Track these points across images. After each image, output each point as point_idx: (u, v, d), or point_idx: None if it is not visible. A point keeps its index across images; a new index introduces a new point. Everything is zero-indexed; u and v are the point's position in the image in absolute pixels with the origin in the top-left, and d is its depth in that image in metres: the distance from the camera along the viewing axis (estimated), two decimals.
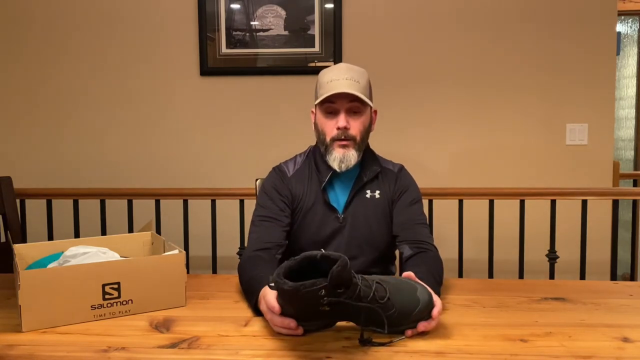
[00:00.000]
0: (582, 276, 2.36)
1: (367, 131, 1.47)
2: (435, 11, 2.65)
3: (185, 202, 2.46)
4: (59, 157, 2.79)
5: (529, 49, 2.63)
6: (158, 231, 2.42)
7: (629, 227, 2.73)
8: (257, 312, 1.12)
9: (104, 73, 2.76)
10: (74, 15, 2.74)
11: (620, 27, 4.38)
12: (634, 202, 2.46)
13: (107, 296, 1.12)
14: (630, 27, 4.40)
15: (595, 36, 2.61)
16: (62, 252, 1.25)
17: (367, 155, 1.51)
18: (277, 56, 2.69)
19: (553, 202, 2.37)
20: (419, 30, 2.66)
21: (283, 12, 2.67)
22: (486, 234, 2.40)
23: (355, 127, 1.42)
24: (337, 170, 1.42)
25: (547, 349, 0.96)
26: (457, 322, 1.08)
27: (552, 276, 2.38)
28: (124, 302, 1.14)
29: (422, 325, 1.00)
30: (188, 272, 1.24)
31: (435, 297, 1.03)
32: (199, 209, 2.54)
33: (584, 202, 2.36)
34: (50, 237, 2.49)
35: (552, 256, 2.37)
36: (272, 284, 0.94)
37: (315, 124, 1.49)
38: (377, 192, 1.48)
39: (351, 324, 1.04)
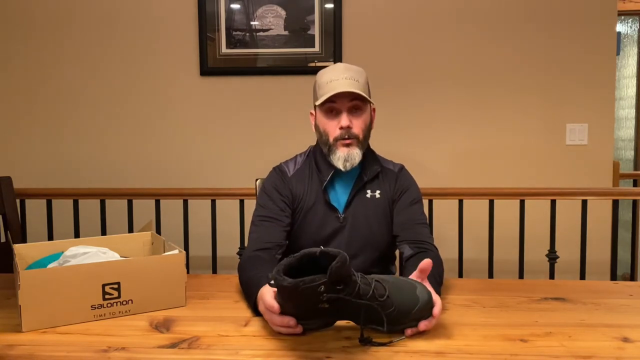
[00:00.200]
0: (582, 276, 2.36)
1: (368, 129, 1.47)
2: (435, 11, 2.65)
3: (185, 202, 2.46)
4: (59, 157, 2.79)
5: (529, 49, 2.63)
6: (158, 231, 2.42)
7: (629, 227, 2.73)
8: (257, 312, 1.11)
9: (104, 73, 2.76)
10: (74, 15, 2.74)
11: (620, 27, 4.38)
12: (634, 202, 2.46)
13: (107, 296, 1.12)
14: (630, 27, 4.40)
15: (595, 36, 2.61)
16: (62, 252, 1.25)
17: (368, 155, 1.51)
18: (277, 56, 2.69)
19: (553, 202, 2.37)
20: (419, 30, 2.67)
21: (283, 12, 2.67)
22: (486, 234, 2.40)
23: (358, 125, 1.42)
24: (342, 169, 1.42)
25: (547, 349, 0.96)
26: (457, 322, 1.08)
27: (552, 276, 2.38)
28: (124, 302, 1.14)
29: (423, 325, 1.00)
30: (188, 272, 1.24)
31: (435, 296, 1.03)
32: (199, 209, 2.54)
33: (584, 202, 2.36)
34: (50, 237, 2.49)
35: (552, 256, 2.37)
36: (272, 281, 0.94)
37: (316, 125, 1.49)
38: (378, 191, 1.48)
39: (351, 323, 1.04)
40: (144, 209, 2.50)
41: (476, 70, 2.66)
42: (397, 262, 1.59)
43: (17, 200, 2.23)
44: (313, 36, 2.67)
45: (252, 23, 2.69)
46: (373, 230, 1.46)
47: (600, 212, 2.57)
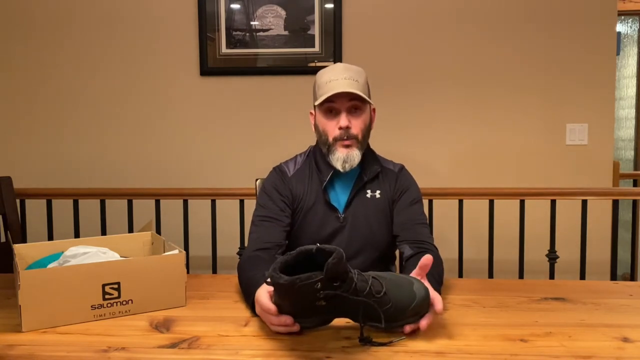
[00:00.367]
0: (582, 276, 2.36)
1: (368, 129, 1.47)
2: (435, 11, 2.65)
3: (185, 202, 2.46)
4: (59, 157, 2.79)
5: (529, 49, 2.63)
6: (158, 231, 2.42)
7: (629, 227, 2.73)
8: (256, 312, 1.11)
9: (104, 73, 2.76)
10: (74, 15, 2.74)
11: (620, 27, 4.38)
12: (634, 202, 2.46)
13: (107, 296, 1.12)
14: (630, 27, 4.40)
15: (595, 36, 2.61)
16: (62, 252, 1.25)
17: (368, 155, 1.51)
18: (277, 56, 2.69)
19: (553, 202, 2.37)
20: (419, 30, 2.67)
21: (283, 12, 2.67)
22: (486, 234, 2.40)
23: (357, 125, 1.42)
24: (341, 170, 1.43)
25: (547, 349, 0.96)
26: (457, 322, 1.08)
27: (552, 276, 2.38)
28: (124, 302, 1.14)
29: (424, 323, 1.00)
30: (188, 272, 1.24)
31: (434, 293, 1.03)
32: (199, 209, 2.54)
33: (584, 202, 2.36)
34: (50, 237, 2.49)
35: (552, 256, 2.37)
36: (268, 279, 0.93)
37: (316, 125, 1.49)
38: (378, 191, 1.48)
39: (350, 323, 1.04)
40: (144, 209, 2.50)
41: (476, 70, 2.66)
42: (397, 262, 1.59)
43: (17, 200, 2.23)
44: (313, 36, 2.67)
45: (252, 23, 2.69)
46: (373, 230, 1.46)
47: (600, 212, 2.57)
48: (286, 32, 2.68)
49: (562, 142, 2.66)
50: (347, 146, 1.41)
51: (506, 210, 2.44)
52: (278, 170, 1.53)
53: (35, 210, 2.52)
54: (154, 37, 2.73)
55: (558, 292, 1.29)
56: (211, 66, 2.71)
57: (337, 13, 2.64)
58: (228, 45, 2.69)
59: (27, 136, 2.79)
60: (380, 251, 1.49)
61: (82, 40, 2.75)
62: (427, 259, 1.07)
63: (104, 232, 2.48)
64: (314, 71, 1.60)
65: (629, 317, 1.12)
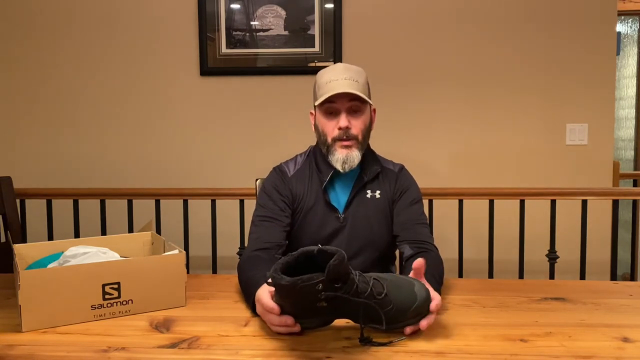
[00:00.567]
0: (582, 276, 2.36)
1: (368, 130, 1.47)
2: (435, 11, 2.65)
3: (185, 202, 2.46)
4: (59, 157, 2.79)
5: (529, 49, 2.63)
6: (158, 231, 2.42)
7: (629, 227, 2.73)
8: (256, 312, 1.11)
9: (104, 73, 2.76)
10: (74, 15, 2.74)
11: (620, 27, 4.38)
12: (634, 202, 2.46)
13: (107, 296, 1.12)
14: (630, 27, 4.40)
15: (595, 36, 2.61)
16: (62, 252, 1.25)
17: (368, 155, 1.51)
18: (277, 56, 2.69)
19: (553, 202, 2.37)
20: (419, 30, 2.67)
21: (283, 12, 2.67)
22: (486, 234, 2.40)
23: (357, 126, 1.42)
24: (341, 171, 1.43)
25: (547, 349, 0.96)
26: (457, 322, 1.08)
27: (552, 276, 2.38)
28: (124, 302, 1.14)
29: (424, 323, 1.00)
30: (188, 272, 1.24)
31: (433, 293, 1.03)
32: (199, 209, 2.54)
33: (584, 202, 2.36)
34: (50, 237, 2.49)
35: (552, 256, 2.37)
36: (269, 280, 0.93)
37: (316, 125, 1.49)
38: (378, 192, 1.48)
39: (351, 323, 1.04)
40: (144, 209, 2.50)
41: (476, 70, 2.66)
42: (397, 262, 1.59)
43: (17, 200, 2.23)
44: (313, 36, 2.67)
45: (252, 23, 2.69)
46: (373, 231, 1.46)
47: (600, 212, 2.57)
48: (286, 32, 2.68)
49: (562, 142, 2.66)
50: (346, 147, 1.41)
51: (506, 210, 2.44)
52: (278, 171, 1.53)
53: (35, 210, 2.52)
54: (154, 37, 2.73)
55: (558, 292, 1.29)
56: (211, 66, 2.71)
57: (337, 13, 2.64)
58: (228, 45, 2.69)
59: (27, 136, 2.79)
60: (380, 251, 1.49)
61: (82, 40, 2.75)
62: (418, 262, 1.07)
63: (104, 232, 2.48)
64: (314, 71, 1.60)
65: (629, 317, 1.12)
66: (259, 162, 2.67)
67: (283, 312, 0.99)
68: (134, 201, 2.50)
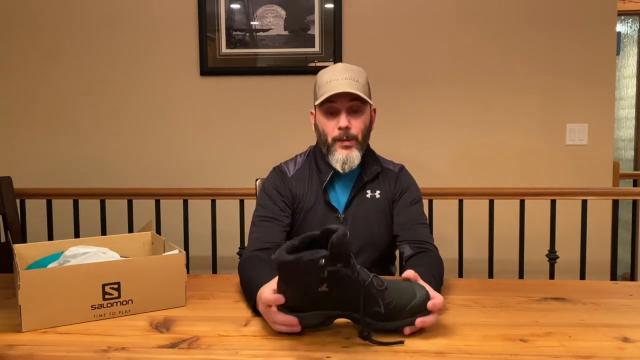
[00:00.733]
0: (582, 276, 2.36)
1: (368, 130, 1.47)
2: (435, 11, 2.65)
3: (185, 202, 2.46)
4: (59, 157, 2.79)
5: (529, 49, 2.63)
6: (158, 231, 2.42)
7: (629, 227, 2.73)
8: (257, 312, 1.11)
9: (104, 73, 2.76)
10: (74, 15, 2.74)
11: (620, 27, 4.38)
12: (634, 202, 2.46)
13: (107, 296, 1.12)
14: (630, 27, 4.40)
15: (595, 36, 2.61)
16: (62, 252, 1.25)
17: (368, 155, 1.51)
18: (277, 56, 2.69)
19: (553, 202, 2.37)
20: (419, 30, 2.67)
21: (283, 12, 2.67)
22: (486, 234, 2.40)
23: (357, 126, 1.42)
24: (341, 171, 1.43)
25: (547, 349, 0.96)
26: (457, 322, 1.08)
27: (552, 276, 2.38)
28: (124, 302, 1.14)
29: (419, 321, 1.00)
30: (188, 272, 1.24)
31: (434, 292, 1.04)
32: (199, 209, 2.54)
33: (584, 202, 2.36)
34: (50, 237, 2.49)
35: (552, 256, 2.37)
36: (273, 257, 0.96)
37: (316, 125, 1.49)
38: (378, 192, 1.48)
39: (351, 323, 1.03)
40: (144, 209, 2.50)
41: (476, 70, 2.66)
42: (397, 262, 1.59)
43: (17, 200, 2.23)
44: (313, 36, 2.67)
45: (252, 23, 2.69)
46: (373, 231, 1.46)
47: (600, 212, 2.57)
48: (286, 32, 2.68)
49: (562, 142, 2.66)
50: (346, 147, 1.41)
51: (506, 210, 2.44)
52: (278, 171, 1.53)
53: (35, 210, 2.52)
54: (154, 37, 2.73)
55: (558, 292, 1.29)
56: (211, 66, 2.71)
57: (337, 13, 2.64)
58: (228, 45, 2.69)
59: (27, 136, 2.79)
60: (380, 251, 1.49)
61: (82, 40, 2.75)
62: (408, 273, 1.08)
63: (104, 232, 2.48)
64: (314, 71, 1.61)
65: (629, 317, 1.12)
66: (259, 162, 2.67)
67: (286, 303, 0.99)
68: (134, 201, 2.50)
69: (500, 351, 0.95)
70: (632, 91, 4.32)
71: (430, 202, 2.40)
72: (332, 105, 1.41)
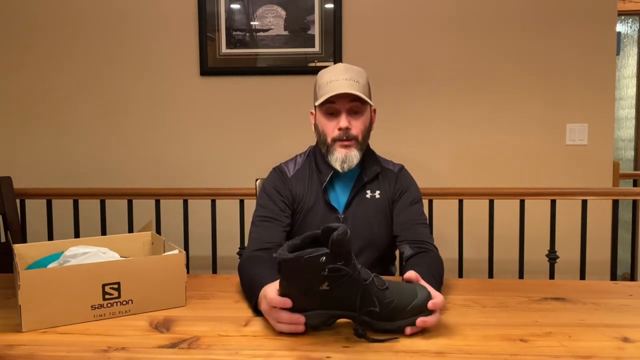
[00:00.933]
0: (582, 276, 2.36)
1: (368, 130, 1.47)
2: (436, 11, 2.65)
3: (185, 202, 2.46)
4: (59, 157, 2.79)
5: (530, 49, 2.63)
6: (158, 231, 2.42)
7: (629, 227, 2.73)
8: (258, 312, 1.11)
9: (104, 73, 2.76)
10: (74, 15, 2.74)
11: (620, 27, 4.38)
12: (634, 202, 2.46)
13: (107, 296, 1.12)
14: (630, 27, 4.40)
15: (595, 36, 2.61)
16: (62, 252, 1.25)
17: (368, 156, 1.51)
18: (277, 56, 2.69)
19: (553, 202, 2.37)
20: (419, 30, 2.67)
21: (283, 12, 2.67)
22: (486, 234, 2.40)
23: (357, 126, 1.42)
24: (340, 170, 1.43)
25: (547, 349, 0.96)
26: (457, 322, 1.08)
27: (552, 276, 2.38)
28: (124, 302, 1.14)
29: (420, 321, 1.00)
30: (188, 272, 1.24)
31: (435, 292, 1.04)
32: (199, 209, 2.54)
33: (584, 202, 2.36)
34: (50, 237, 2.49)
35: (552, 256, 2.37)
36: (275, 255, 0.96)
37: (316, 125, 1.49)
38: (378, 192, 1.48)
39: (351, 323, 1.03)
40: (144, 209, 2.50)
41: (476, 69, 2.66)
42: (397, 262, 1.59)
43: (17, 200, 2.23)
44: (313, 36, 2.67)
45: (252, 23, 2.69)
46: (373, 231, 1.46)
47: (600, 212, 2.57)
48: (286, 32, 2.68)
49: (562, 142, 2.66)
50: (346, 146, 1.41)
51: (506, 210, 2.44)
52: (278, 171, 1.53)
53: (35, 210, 2.52)
54: (154, 37, 2.73)
55: (558, 292, 1.29)
56: (211, 66, 2.71)
57: (337, 13, 2.64)
58: (228, 45, 2.69)
59: (27, 136, 2.79)
60: (380, 251, 1.49)
61: (82, 41, 2.75)
62: (409, 274, 1.08)
63: (104, 232, 2.48)
64: (314, 71, 1.61)
65: (629, 317, 1.12)
66: (259, 162, 2.67)
67: (287, 298, 0.99)
68: (134, 201, 2.50)
69: (500, 351, 0.95)
70: (632, 91, 4.32)
71: (430, 202, 2.40)
72: (332, 106, 1.41)
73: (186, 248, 2.44)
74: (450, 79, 2.67)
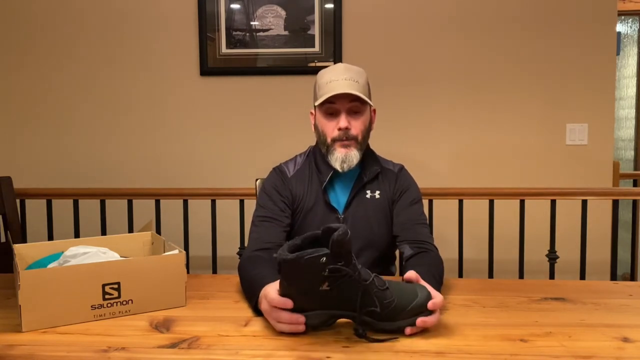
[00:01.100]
0: (582, 276, 2.36)
1: (367, 130, 1.47)
2: (435, 11, 2.65)
3: (185, 202, 2.46)
4: (59, 157, 2.79)
5: (529, 49, 2.63)
6: (158, 231, 2.42)
7: (629, 227, 2.73)
8: (258, 312, 1.11)
9: (104, 73, 2.76)
10: (74, 16, 2.74)
11: (620, 27, 4.38)
12: (634, 202, 2.46)
13: (107, 296, 1.12)
14: (630, 27, 4.40)
15: (595, 36, 2.61)
16: (62, 252, 1.25)
17: (368, 156, 1.51)
18: (277, 56, 2.69)
19: (553, 202, 2.37)
20: (419, 30, 2.67)
21: (283, 12, 2.67)
22: (486, 234, 2.40)
23: (357, 127, 1.42)
24: (340, 170, 1.43)
25: (547, 349, 0.96)
26: (457, 322, 1.08)
27: (552, 276, 2.38)
28: (124, 302, 1.14)
29: (420, 321, 1.00)
30: (188, 272, 1.24)
31: (435, 292, 1.04)
32: (199, 209, 2.54)
33: (584, 202, 2.36)
34: (50, 237, 2.49)
35: (552, 256, 2.37)
36: (275, 255, 0.96)
37: (316, 125, 1.49)
38: (377, 192, 1.48)
39: (351, 323, 1.03)
40: (144, 209, 2.50)
41: (476, 70, 2.66)
42: (397, 263, 1.59)
43: (17, 200, 2.23)
44: (313, 36, 2.67)
45: (252, 23, 2.69)
46: (373, 231, 1.46)
47: (600, 212, 2.57)
48: (286, 32, 2.68)
49: (562, 142, 2.66)
50: (345, 146, 1.41)
51: (506, 210, 2.44)
52: (278, 171, 1.53)
53: (35, 210, 2.52)
54: (154, 37, 2.73)
55: (558, 292, 1.29)
56: (211, 66, 2.71)
57: (337, 13, 2.64)
58: (228, 45, 2.69)
59: (28, 136, 2.79)
60: (380, 251, 1.49)
61: (82, 41, 2.75)
62: (410, 274, 1.08)
63: (104, 232, 2.48)
64: (314, 71, 1.61)
65: (629, 317, 1.12)
66: (259, 162, 2.67)
67: (287, 298, 0.99)
68: (134, 201, 2.50)
69: (500, 351, 0.95)
70: (632, 91, 4.32)
71: (430, 202, 2.40)
72: (332, 106, 1.41)
73: (186, 248, 2.44)
74: (450, 79, 2.67)
